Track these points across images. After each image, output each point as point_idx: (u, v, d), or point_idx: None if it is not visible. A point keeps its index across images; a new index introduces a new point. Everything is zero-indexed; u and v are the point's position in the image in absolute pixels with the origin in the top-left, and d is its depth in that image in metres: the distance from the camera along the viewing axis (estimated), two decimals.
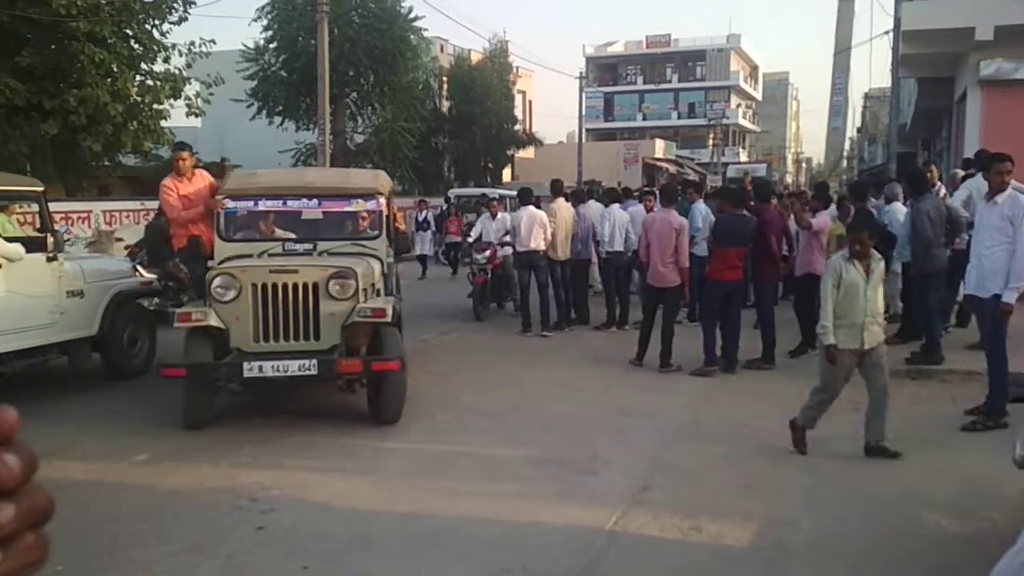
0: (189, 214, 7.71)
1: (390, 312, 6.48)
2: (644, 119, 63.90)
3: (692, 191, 12.41)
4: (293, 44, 26.42)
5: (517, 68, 40.47)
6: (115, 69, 15.93)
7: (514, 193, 16.51)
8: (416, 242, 19.33)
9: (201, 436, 6.39)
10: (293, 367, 6.13)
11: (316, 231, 7.55)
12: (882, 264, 5.97)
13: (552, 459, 5.86)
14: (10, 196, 8.77)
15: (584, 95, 43.72)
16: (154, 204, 10.94)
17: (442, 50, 37.88)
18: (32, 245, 7.58)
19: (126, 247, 12.22)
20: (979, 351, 7.36)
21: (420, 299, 13.32)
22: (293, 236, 7.44)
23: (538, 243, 11.00)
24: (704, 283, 9.10)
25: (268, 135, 27.77)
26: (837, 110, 39.72)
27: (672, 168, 48.34)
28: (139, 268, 9.27)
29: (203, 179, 7.99)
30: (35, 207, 8.87)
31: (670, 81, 65.11)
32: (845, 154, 61.48)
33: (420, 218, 20.22)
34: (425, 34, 30.37)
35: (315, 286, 6.38)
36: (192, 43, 17.45)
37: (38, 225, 8.91)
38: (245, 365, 6.10)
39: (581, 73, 42.85)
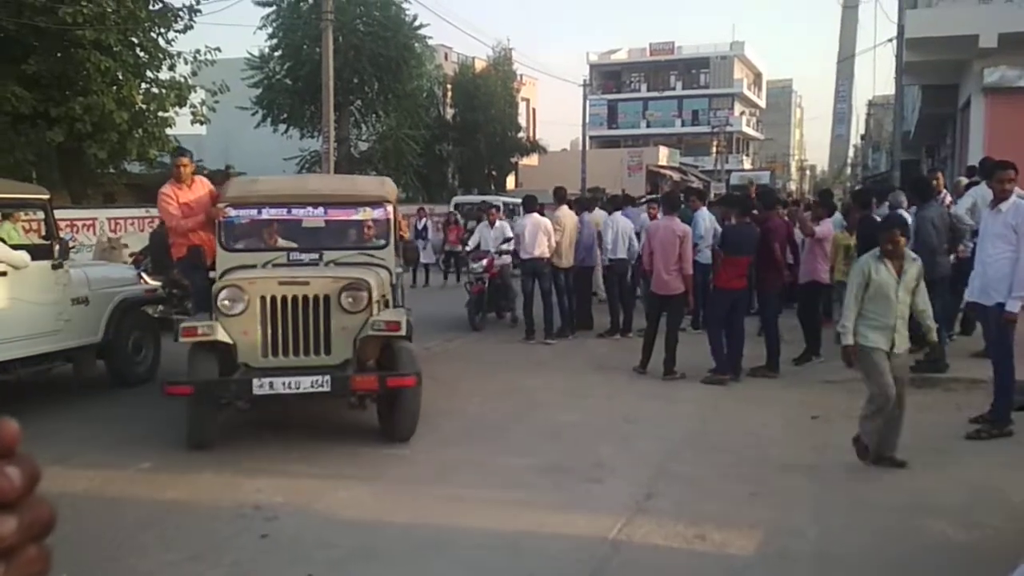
0: (189, 222, 7.39)
1: (404, 325, 6.23)
2: (648, 126, 63.98)
3: (695, 199, 12.41)
4: (298, 52, 26.53)
5: (521, 76, 40.57)
6: (121, 77, 16.00)
7: (518, 200, 16.53)
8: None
9: None
10: (305, 383, 5.87)
11: (321, 240, 7.28)
12: (917, 265, 5.73)
13: (556, 467, 5.85)
14: (16, 204, 8.81)
15: (588, 102, 43.82)
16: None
17: (446, 58, 38.01)
18: (37, 252, 7.60)
19: (130, 254, 12.25)
20: (983, 359, 7.34)
21: (418, 307, 13.32)
22: (295, 246, 7.17)
23: (542, 250, 11.00)
24: (712, 291, 9.09)
25: (273, 143, 27.87)
26: (841, 117, 39.74)
27: (676, 175, 48.33)
28: (144, 275, 9.29)
29: (203, 186, 7.67)
30: (41, 215, 8.90)
31: (674, 88, 65.17)
32: (849, 161, 61.51)
33: (419, 226, 20.26)
34: (429, 42, 30.48)
35: (326, 298, 6.13)
36: (197, 51, 17.55)
37: (44, 232, 8.95)
38: (255, 381, 5.82)
39: (585, 80, 43.03)
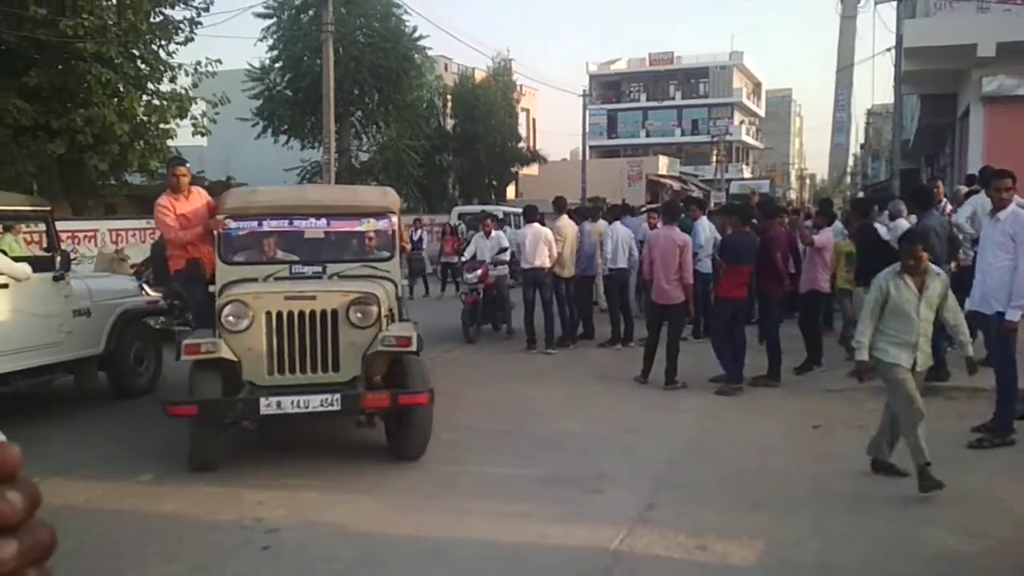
0: (187, 235, 7.12)
1: (415, 341, 6.03)
2: (647, 136, 64.14)
3: (695, 208, 12.44)
4: (298, 63, 26.62)
5: (520, 86, 40.70)
6: (122, 89, 16.05)
7: (519, 210, 16.53)
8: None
9: None
10: (315, 402, 5.65)
11: (324, 253, 7.06)
12: (942, 280, 5.49)
13: (558, 478, 5.84)
14: (17, 216, 8.83)
15: (588, 112, 43.94)
16: None
17: (446, 69, 38.13)
18: (39, 264, 7.61)
19: (131, 266, 12.27)
20: (985, 367, 7.33)
21: (415, 318, 13.28)
22: (296, 258, 6.93)
23: (543, 260, 11.02)
24: (713, 301, 9.09)
25: (273, 154, 27.94)
26: (840, 126, 39.78)
27: (676, 185, 48.45)
28: (145, 287, 9.30)
29: (200, 197, 7.43)
30: (42, 226, 8.92)
31: (673, 98, 65.38)
32: (848, 170, 61.52)
33: (415, 237, 20.29)
34: (429, 53, 30.59)
35: (334, 313, 5.92)
36: (198, 63, 17.58)
37: (45, 244, 8.96)
38: (262, 401, 5.59)
39: (584, 91, 43.15)
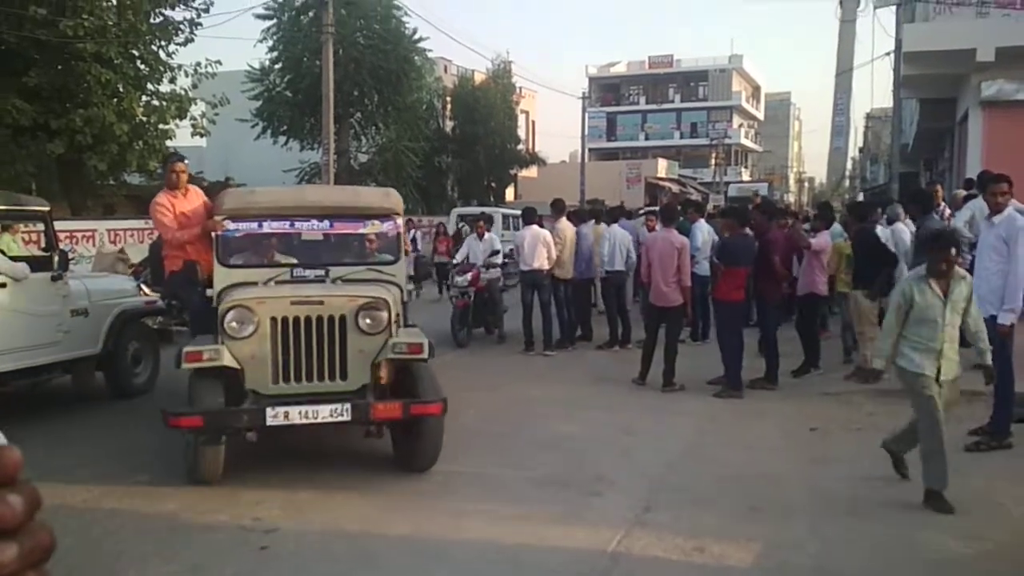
0: (184, 235, 6.83)
1: (427, 348, 5.82)
2: (646, 139, 64.22)
3: (692, 211, 12.46)
4: (298, 65, 26.64)
5: (520, 88, 40.78)
6: (121, 89, 16.06)
7: (518, 212, 16.51)
8: None
9: None
10: (324, 412, 5.42)
11: (326, 256, 6.82)
12: (967, 283, 5.30)
13: (556, 480, 5.85)
14: (16, 215, 8.83)
15: (587, 115, 43.96)
16: None
17: (446, 70, 38.18)
18: (37, 264, 7.61)
19: (129, 266, 12.28)
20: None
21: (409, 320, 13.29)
22: (295, 261, 6.67)
23: (541, 262, 11.03)
24: (715, 305, 9.07)
25: (273, 155, 27.96)
26: (839, 130, 39.85)
27: (675, 187, 48.49)
28: (143, 287, 9.30)
29: (197, 196, 7.18)
30: (40, 226, 8.92)
31: (672, 101, 65.45)
32: (847, 174, 61.61)
33: (409, 238, 20.26)
34: (429, 55, 30.65)
35: (342, 319, 5.68)
36: (198, 64, 17.60)
37: (43, 244, 8.96)
38: (268, 411, 5.34)
39: (584, 93, 43.17)
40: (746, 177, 63.09)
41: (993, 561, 4.50)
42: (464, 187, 37.01)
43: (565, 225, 11.55)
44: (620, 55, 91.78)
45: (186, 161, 7.42)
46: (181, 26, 17.30)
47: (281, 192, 8.06)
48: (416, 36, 28.34)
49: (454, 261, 12.93)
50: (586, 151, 43.93)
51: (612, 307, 11.64)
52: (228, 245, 6.51)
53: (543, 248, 11.03)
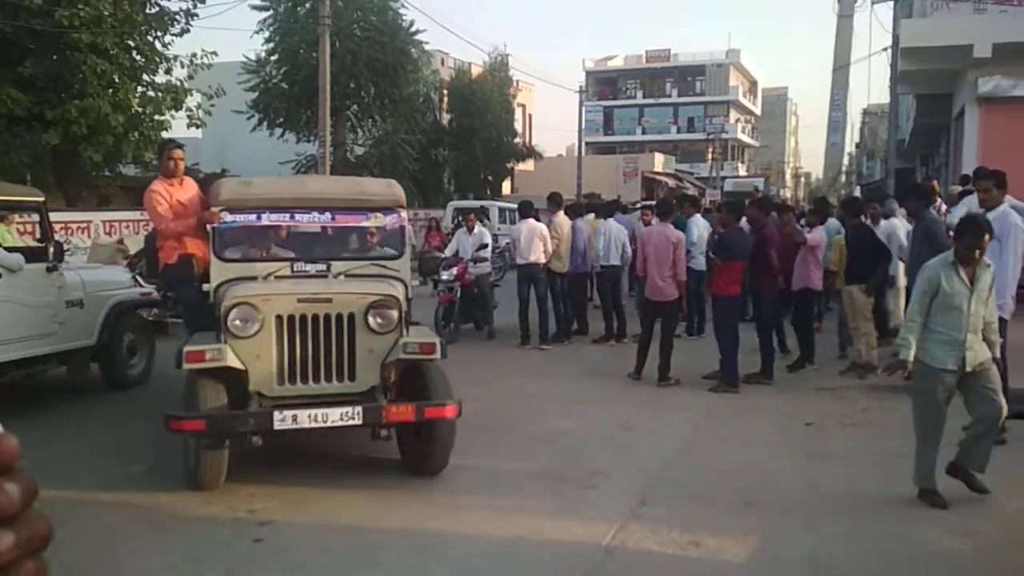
0: (178, 226, 6.54)
1: (439, 348, 5.58)
2: (643, 133, 64.19)
3: (688, 206, 12.47)
4: (294, 56, 26.54)
5: (517, 81, 40.71)
6: (117, 80, 15.98)
7: (514, 206, 16.45)
8: None
9: None
10: (334, 416, 5.17)
11: (328, 250, 6.51)
12: (991, 271, 5.15)
13: (552, 474, 5.85)
14: (11, 206, 8.79)
15: (584, 109, 43.91)
16: None
17: (443, 63, 38.08)
18: (32, 255, 7.59)
19: (125, 257, 12.24)
20: None
21: None
22: (292, 255, 6.39)
23: (538, 256, 11.02)
24: (712, 300, 9.07)
25: (268, 147, 27.89)
26: (836, 126, 39.85)
27: (671, 182, 48.52)
28: (138, 278, 9.28)
29: (193, 186, 6.91)
30: (35, 217, 8.89)
31: (669, 95, 65.42)
32: (844, 169, 61.67)
33: None
34: (426, 47, 30.57)
35: (351, 317, 5.45)
36: (194, 55, 17.52)
37: (38, 235, 8.93)
38: (276, 414, 5.08)
39: (581, 87, 43.04)
40: (742, 172, 63.13)
41: (988, 556, 4.52)
42: (461, 180, 36.97)
43: (562, 219, 11.56)
44: (617, 49, 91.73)
45: (184, 147, 7.16)
46: (177, 17, 17.23)
47: (280, 183, 7.81)
48: (413, 28, 28.25)
49: (443, 255, 12.66)
50: (583, 145, 43.89)
51: (608, 302, 11.66)
52: (225, 238, 6.20)
53: (539, 242, 11.02)
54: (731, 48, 67.07)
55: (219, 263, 6.08)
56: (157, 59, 17.08)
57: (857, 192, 31.31)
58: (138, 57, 16.81)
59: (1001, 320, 6.25)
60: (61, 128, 15.35)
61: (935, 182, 12.01)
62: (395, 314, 5.54)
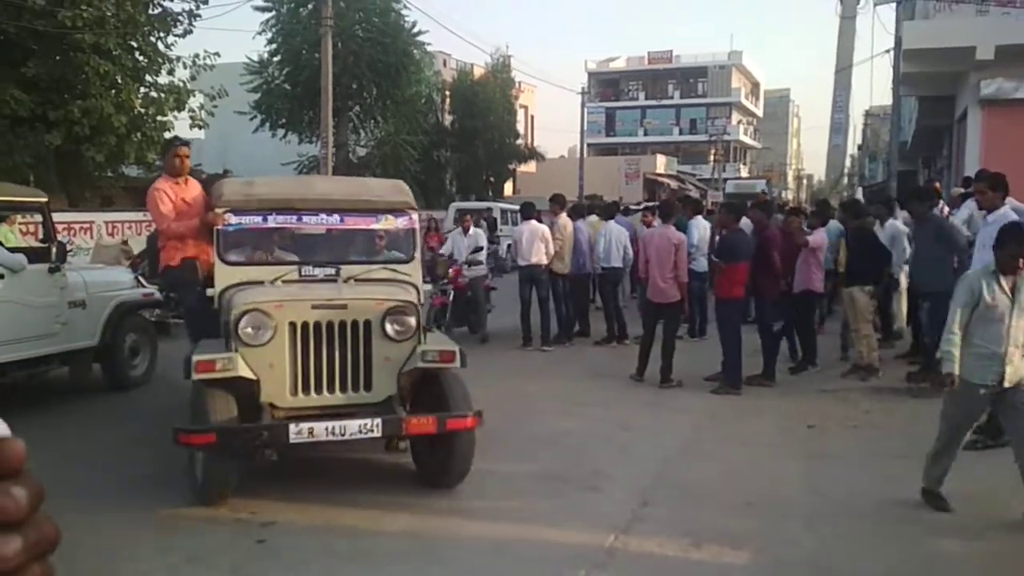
0: (180, 226, 6.31)
1: (459, 356, 5.37)
2: (645, 134, 64.19)
3: (689, 208, 12.46)
4: (297, 57, 26.59)
5: (519, 83, 40.72)
6: (120, 81, 16.01)
7: (516, 207, 16.42)
8: None
9: None
10: (352, 428, 4.93)
11: (337, 253, 6.27)
12: None
13: (553, 475, 5.85)
14: (13, 206, 8.81)
15: (586, 110, 43.94)
16: None
17: (445, 64, 38.11)
18: (35, 255, 7.60)
19: (128, 258, 12.26)
20: None
21: None
22: (296, 258, 6.12)
23: (539, 257, 11.02)
24: (716, 302, 9.06)
25: (271, 147, 27.94)
26: (838, 127, 39.79)
27: (673, 184, 48.52)
28: (141, 279, 9.29)
29: (197, 186, 6.70)
30: (38, 217, 8.90)
31: (672, 97, 65.42)
32: (846, 171, 61.65)
33: None
34: (428, 48, 30.60)
35: (367, 324, 5.22)
36: (197, 56, 17.56)
37: (41, 235, 8.95)
38: (292, 427, 4.82)
39: (583, 88, 43.08)
40: (744, 174, 63.10)
41: (990, 559, 4.52)
42: (463, 181, 36.98)
43: (565, 220, 11.57)
44: (619, 50, 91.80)
45: (189, 144, 6.95)
46: (180, 17, 17.26)
47: (286, 183, 7.50)
48: (415, 30, 28.29)
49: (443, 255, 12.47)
50: (585, 146, 43.91)
51: (610, 303, 11.66)
52: (229, 240, 5.98)
53: (541, 243, 11.03)
54: (733, 50, 67.10)
55: (223, 267, 5.86)
56: (160, 60, 17.11)
57: (859, 194, 31.28)
58: (141, 58, 16.84)
59: None
60: (64, 129, 15.38)
61: (937, 184, 12.00)
62: (413, 321, 5.33)
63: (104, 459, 6.15)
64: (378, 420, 4.99)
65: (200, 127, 18.66)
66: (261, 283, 5.66)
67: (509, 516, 5.08)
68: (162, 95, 17.19)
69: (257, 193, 6.18)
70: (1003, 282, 4.78)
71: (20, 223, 11.40)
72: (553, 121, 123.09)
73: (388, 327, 5.26)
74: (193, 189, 6.61)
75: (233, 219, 5.98)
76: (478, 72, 37.98)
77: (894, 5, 20.59)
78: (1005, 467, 5.80)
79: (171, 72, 17.49)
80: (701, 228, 11.73)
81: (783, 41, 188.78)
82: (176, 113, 17.54)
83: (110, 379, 8.41)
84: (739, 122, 65.88)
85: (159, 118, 17.15)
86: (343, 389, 5.23)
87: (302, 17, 26.34)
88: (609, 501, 5.33)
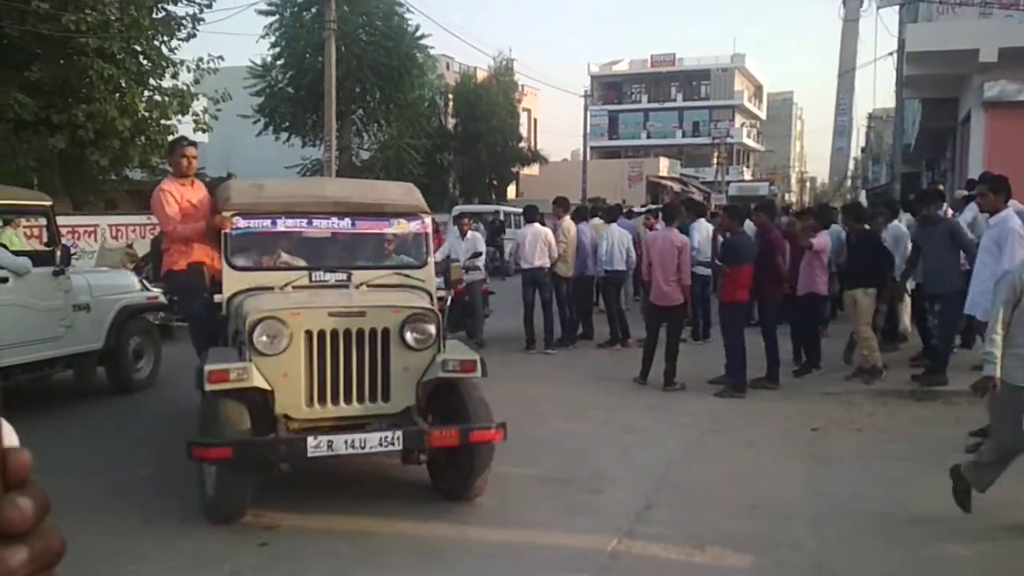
0: (186, 230, 6.14)
1: (480, 365, 5.20)
2: (648, 137, 64.22)
3: (691, 212, 12.45)
4: (300, 61, 26.65)
5: (522, 86, 40.75)
6: (123, 85, 16.07)
7: (519, 210, 16.41)
8: None
9: None
10: (373, 441, 4.74)
11: (348, 258, 6.10)
12: None
13: (557, 477, 5.85)
14: (18, 210, 8.83)
15: (589, 113, 43.93)
16: None
17: (448, 68, 38.18)
18: (39, 259, 7.62)
19: (132, 261, 12.29)
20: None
21: None
22: (304, 263, 5.93)
23: (543, 260, 11.03)
24: (719, 305, 9.05)
25: (274, 151, 27.98)
26: (841, 130, 39.77)
27: (676, 186, 48.50)
28: (145, 282, 9.31)
29: (202, 188, 6.57)
30: (43, 221, 8.92)
31: (674, 100, 65.45)
32: (849, 174, 61.59)
33: None
34: (431, 52, 30.63)
35: (385, 332, 5.02)
36: (200, 59, 17.63)
37: (45, 239, 8.97)
38: (310, 440, 4.62)
39: (586, 91, 43.12)
40: (748, 176, 63.08)
41: (993, 562, 4.50)
42: (466, 185, 37.02)
43: (569, 224, 11.58)
44: (622, 53, 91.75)
45: (196, 145, 6.79)
46: (183, 21, 17.33)
47: (295, 185, 7.34)
48: (418, 33, 28.36)
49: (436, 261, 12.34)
50: (588, 149, 43.93)
51: (613, 306, 11.66)
52: (238, 244, 5.81)
53: (544, 246, 11.03)
54: (736, 52, 67.12)
55: (231, 272, 5.69)
56: (164, 64, 17.17)
57: (863, 197, 31.26)
58: (145, 62, 16.89)
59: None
60: (68, 132, 15.42)
61: (941, 186, 11.99)
62: (433, 328, 5.12)
63: (107, 462, 6.16)
64: (399, 433, 4.81)
65: (204, 131, 18.71)
66: (270, 289, 5.52)
67: (512, 519, 5.08)
68: (166, 99, 17.25)
69: (266, 196, 6.03)
70: None
71: (24, 226, 11.43)
72: (556, 124, 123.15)
73: (407, 335, 5.06)
74: (199, 191, 6.48)
75: (241, 222, 5.81)
76: (481, 75, 38.04)
77: (897, 8, 20.57)
78: (1009, 469, 5.79)
79: (175, 76, 17.57)
80: (703, 231, 11.73)
81: (786, 44, 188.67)
82: (180, 117, 17.61)
83: (114, 382, 8.43)
84: (742, 125, 65.88)
85: (163, 122, 17.22)
86: (360, 400, 5.04)
87: (305, 21, 26.42)
88: (612, 504, 5.32)
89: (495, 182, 38.26)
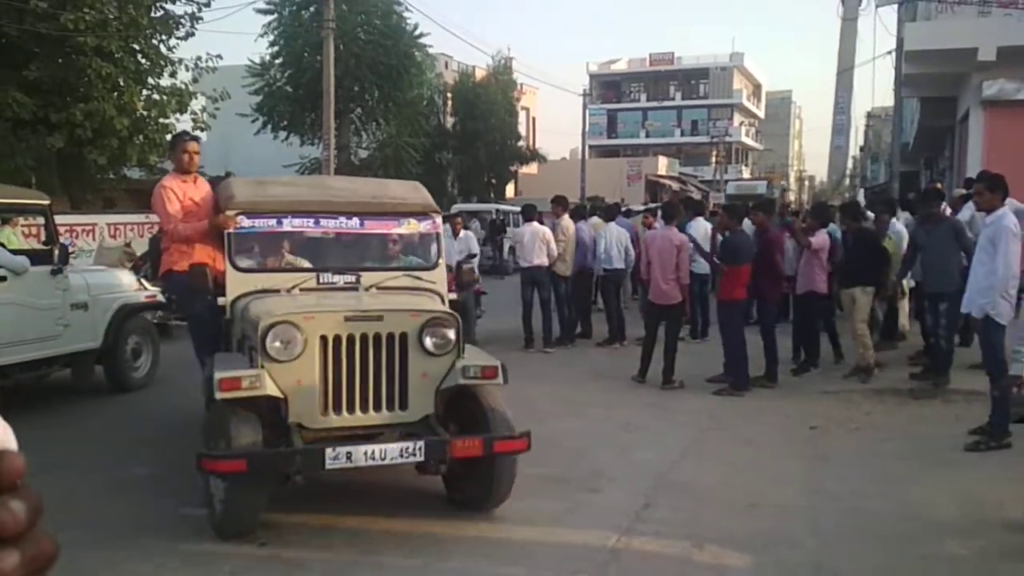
0: (187, 229, 5.94)
1: (502, 371, 5.00)
2: (647, 136, 64.24)
3: (688, 210, 12.44)
4: (299, 60, 26.63)
5: (521, 85, 40.75)
6: (122, 83, 16.04)
7: (518, 209, 16.41)
8: None
9: None
10: (393, 452, 4.50)
11: (356, 259, 5.90)
12: None
13: (555, 476, 5.85)
14: (16, 209, 8.82)
15: (587, 112, 43.95)
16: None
17: (447, 66, 38.15)
18: (37, 258, 7.61)
19: (130, 260, 12.28)
20: (982, 370, 7.35)
21: None
22: (308, 264, 5.73)
23: (541, 259, 11.03)
24: (718, 304, 9.05)
25: (272, 149, 27.97)
26: (840, 129, 39.78)
27: (675, 185, 48.52)
28: (143, 281, 9.30)
29: (205, 186, 6.39)
30: (41, 220, 8.91)
31: (673, 99, 65.47)
32: (848, 173, 61.60)
33: None
34: (430, 50, 30.63)
35: (403, 337, 4.78)
36: (199, 58, 17.61)
37: (43, 238, 8.96)
38: (328, 452, 4.40)
39: (585, 90, 43.14)
40: (746, 175, 63.11)
41: (990, 561, 4.51)
42: (464, 183, 37.01)
43: (567, 222, 11.58)
44: (621, 52, 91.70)
45: (199, 139, 6.58)
46: (182, 20, 17.29)
47: (300, 183, 7.01)
48: (417, 32, 28.34)
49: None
50: (587, 148, 43.94)
51: (611, 304, 11.66)
52: (242, 245, 5.62)
53: (543, 245, 11.04)
54: (735, 51, 67.13)
55: (235, 273, 5.48)
56: (162, 62, 17.15)
57: (861, 195, 31.27)
58: (143, 60, 16.87)
59: (988, 320, 6.28)
60: (66, 131, 15.40)
61: (939, 185, 12.00)
62: (452, 333, 4.89)
63: (106, 460, 6.15)
64: (420, 443, 4.56)
65: (202, 129, 18.67)
66: (277, 291, 5.34)
67: (511, 517, 5.07)
68: (164, 97, 17.23)
69: (271, 194, 5.86)
70: None
71: (22, 225, 11.41)
72: (555, 123, 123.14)
73: (426, 340, 4.82)
74: (202, 188, 6.30)
75: (246, 222, 5.60)
76: (480, 74, 38.02)
77: (896, 7, 20.58)
78: (1006, 468, 5.81)
79: (173, 75, 17.55)
80: (701, 229, 11.72)
81: (785, 43, 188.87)
82: (178, 115, 17.58)
83: (112, 381, 8.42)
84: (741, 124, 65.90)
85: (161, 120, 17.20)
86: (377, 408, 4.78)
87: (304, 20, 26.40)
88: (611, 502, 5.33)
89: (494, 181, 38.25)
